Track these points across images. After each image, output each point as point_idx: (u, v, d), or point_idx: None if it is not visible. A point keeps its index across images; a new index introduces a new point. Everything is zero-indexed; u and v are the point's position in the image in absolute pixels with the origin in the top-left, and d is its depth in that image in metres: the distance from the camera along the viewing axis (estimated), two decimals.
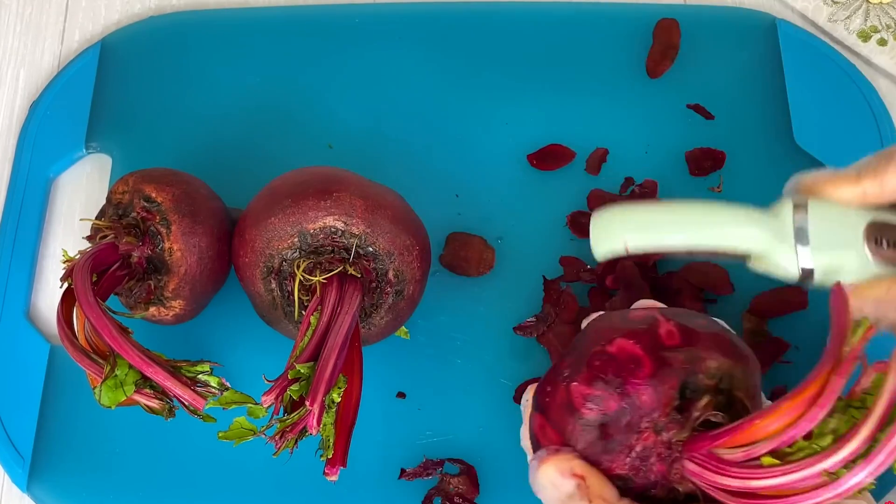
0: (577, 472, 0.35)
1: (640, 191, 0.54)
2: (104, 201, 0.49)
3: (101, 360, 0.42)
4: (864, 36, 0.59)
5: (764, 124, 0.56)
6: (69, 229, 0.57)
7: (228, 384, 0.43)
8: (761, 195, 0.54)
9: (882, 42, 0.58)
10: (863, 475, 0.29)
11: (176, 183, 0.48)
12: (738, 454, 0.32)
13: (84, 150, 0.58)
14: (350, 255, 0.45)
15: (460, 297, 0.53)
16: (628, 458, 0.35)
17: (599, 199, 0.54)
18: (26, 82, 0.62)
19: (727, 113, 0.57)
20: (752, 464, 0.31)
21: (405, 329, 0.50)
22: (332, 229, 0.44)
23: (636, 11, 0.60)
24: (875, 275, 0.36)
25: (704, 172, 0.55)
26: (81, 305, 0.42)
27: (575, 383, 0.36)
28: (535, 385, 0.39)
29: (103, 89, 0.59)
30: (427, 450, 0.50)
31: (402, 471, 0.49)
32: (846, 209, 0.36)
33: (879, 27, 0.59)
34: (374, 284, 0.45)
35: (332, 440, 0.40)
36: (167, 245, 0.46)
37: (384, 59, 0.59)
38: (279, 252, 0.45)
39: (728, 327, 0.38)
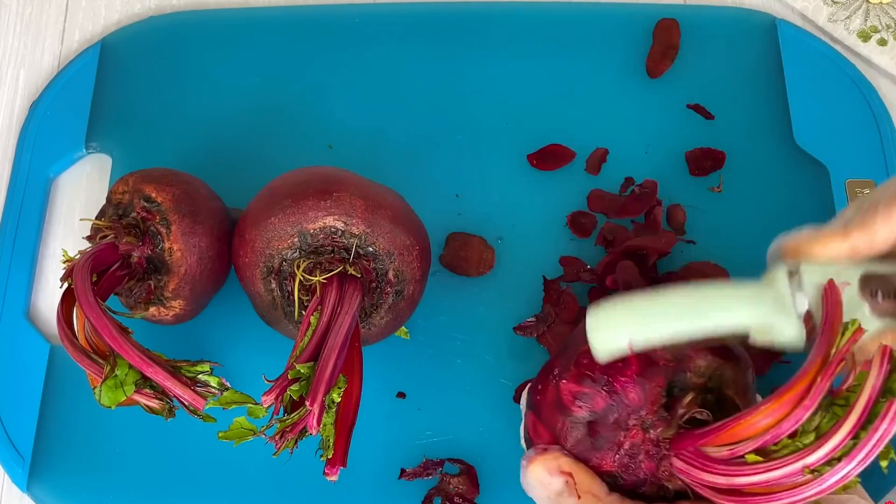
0: (564, 470, 0.35)
1: (640, 191, 0.54)
2: (104, 201, 0.49)
3: (101, 360, 0.42)
4: (864, 36, 0.59)
5: (764, 124, 0.56)
6: (69, 229, 0.57)
7: (228, 384, 0.43)
8: (761, 195, 0.54)
9: (882, 42, 0.58)
10: (845, 472, 0.30)
11: (176, 183, 0.48)
12: (724, 452, 0.32)
13: (84, 150, 0.58)
14: (350, 255, 0.45)
15: (460, 297, 0.53)
16: (617, 456, 0.36)
17: (599, 199, 0.54)
18: (26, 82, 0.62)
19: (727, 113, 0.57)
20: (737, 461, 0.32)
21: (405, 329, 0.50)
22: (332, 229, 0.44)
23: (636, 11, 0.60)
24: (876, 328, 0.35)
25: (704, 172, 0.55)
26: (81, 305, 0.42)
27: (564, 381, 0.37)
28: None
29: (103, 89, 0.59)
30: (427, 450, 0.50)
31: (402, 471, 0.49)
32: (838, 267, 0.35)
33: (879, 27, 0.59)
34: (374, 284, 0.46)
35: (332, 440, 0.40)
36: (167, 245, 0.46)
37: (384, 59, 0.59)
38: (279, 252, 0.45)
39: None
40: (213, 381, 0.43)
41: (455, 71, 0.59)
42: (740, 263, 0.52)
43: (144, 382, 0.42)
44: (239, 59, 0.60)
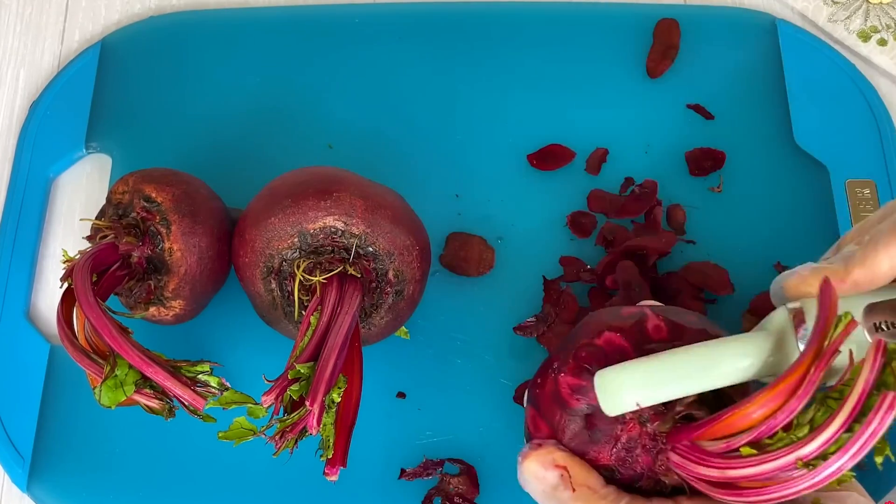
0: (559, 464, 0.35)
1: (640, 191, 0.54)
2: (104, 201, 0.49)
3: (101, 360, 0.42)
4: (864, 36, 0.59)
5: (764, 124, 0.56)
6: (69, 229, 0.57)
7: (228, 384, 0.43)
8: (761, 195, 0.54)
9: (882, 42, 0.58)
10: (838, 464, 0.30)
11: (176, 183, 0.48)
12: (719, 445, 0.32)
13: (84, 150, 0.58)
14: (350, 255, 0.45)
15: (460, 297, 0.53)
16: (614, 449, 0.36)
17: (599, 199, 0.54)
18: (26, 82, 0.62)
19: (727, 113, 0.57)
20: (732, 454, 0.32)
21: (405, 329, 0.50)
22: (332, 229, 0.44)
23: (636, 11, 0.60)
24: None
25: (704, 172, 0.55)
26: (81, 305, 0.42)
27: (562, 374, 0.37)
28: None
29: (103, 89, 0.59)
30: (427, 450, 0.50)
31: (402, 471, 0.49)
32: (840, 301, 0.35)
33: (879, 27, 0.59)
34: (374, 284, 0.46)
35: (332, 440, 0.40)
36: (167, 245, 0.46)
37: (384, 59, 0.59)
38: (279, 252, 0.45)
39: (719, 328, 0.38)
40: (213, 381, 0.43)
41: (455, 71, 0.59)
42: (740, 263, 0.52)
43: (144, 382, 0.42)
44: (239, 59, 0.60)
